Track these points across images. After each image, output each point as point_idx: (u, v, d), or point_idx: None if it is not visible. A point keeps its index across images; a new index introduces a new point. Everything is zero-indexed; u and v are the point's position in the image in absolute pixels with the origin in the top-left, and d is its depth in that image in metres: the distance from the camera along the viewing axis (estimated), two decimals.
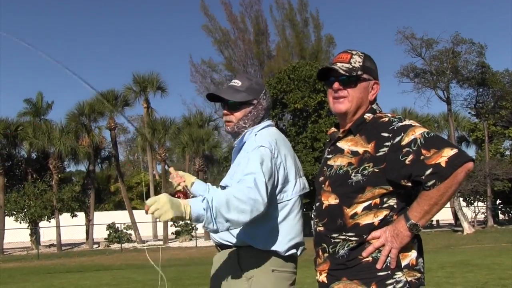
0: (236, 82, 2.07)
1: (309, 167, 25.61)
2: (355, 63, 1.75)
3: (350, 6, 68.63)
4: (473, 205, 29.87)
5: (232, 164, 2.10)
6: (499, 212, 34.16)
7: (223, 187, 1.98)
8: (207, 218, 1.67)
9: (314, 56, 33.56)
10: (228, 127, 2.07)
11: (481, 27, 66.06)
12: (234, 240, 1.94)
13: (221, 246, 2.03)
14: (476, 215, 29.21)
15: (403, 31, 27.72)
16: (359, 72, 1.74)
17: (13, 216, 28.06)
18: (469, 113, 32.70)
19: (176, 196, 2.17)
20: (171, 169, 2.30)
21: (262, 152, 1.87)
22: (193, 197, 2.17)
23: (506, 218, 34.00)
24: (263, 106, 2.07)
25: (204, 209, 1.67)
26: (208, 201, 1.68)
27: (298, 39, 34.27)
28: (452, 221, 32.16)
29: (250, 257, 1.90)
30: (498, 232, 24.12)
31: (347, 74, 1.73)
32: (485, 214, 29.39)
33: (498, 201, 33.36)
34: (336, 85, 1.76)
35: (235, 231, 1.93)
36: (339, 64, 1.76)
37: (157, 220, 1.81)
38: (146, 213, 1.66)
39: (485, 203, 29.36)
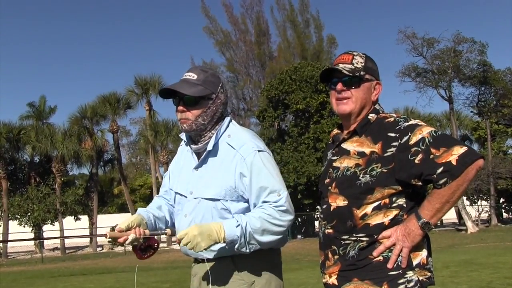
0: (191, 75, 1.87)
1: (312, 168, 25.59)
2: (357, 63, 1.76)
3: (351, 6, 68.67)
4: (476, 204, 29.79)
5: (199, 168, 1.89)
6: (503, 210, 34.08)
7: (214, 200, 1.83)
8: (240, 244, 1.75)
9: (316, 56, 33.56)
10: (185, 125, 1.86)
11: (483, 26, 65.99)
12: (229, 252, 1.82)
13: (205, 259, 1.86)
14: (479, 214, 29.13)
15: (404, 30, 27.75)
16: (362, 73, 1.75)
17: (17, 220, 28.12)
18: (471, 111, 32.69)
19: (147, 244, 1.90)
20: (115, 233, 1.86)
21: (268, 158, 1.84)
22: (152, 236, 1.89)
23: (510, 216, 33.92)
24: (222, 101, 1.90)
25: (238, 235, 1.74)
26: (243, 226, 1.74)
27: (300, 40, 34.28)
28: (456, 220, 32.09)
29: (248, 261, 1.82)
30: (502, 231, 24.04)
31: (350, 74, 1.73)
32: (489, 212, 29.31)
33: (501, 200, 33.26)
34: (339, 86, 1.76)
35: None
36: (341, 65, 1.76)
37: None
38: (179, 245, 1.76)
39: (489, 201, 29.28)
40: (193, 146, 1.93)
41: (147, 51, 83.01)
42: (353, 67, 1.75)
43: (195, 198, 1.89)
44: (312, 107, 26.71)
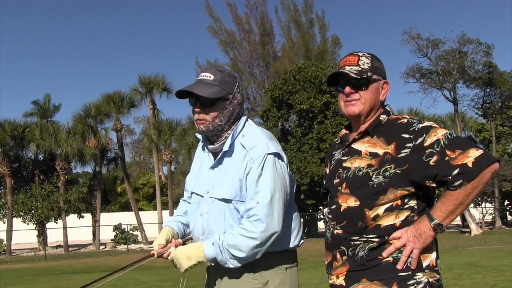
0: (207, 76, 1.86)
1: (315, 168, 25.55)
2: (363, 64, 1.75)
3: (356, 6, 68.54)
4: (480, 206, 29.67)
5: (215, 168, 1.90)
6: (507, 213, 33.90)
7: (226, 200, 1.85)
8: (221, 260, 1.78)
9: (320, 57, 33.51)
10: (202, 126, 1.86)
11: (488, 27, 65.70)
12: None
13: None
14: (483, 216, 29.02)
15: (409, 31, 27.67)
16: (369, 74, 1.74)
17: (21, 217, 28.23)
18: (476, 113, 32.55)
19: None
20: (160, 250, 1.91)
21: (270, 164, 1.78)
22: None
23: None
24: (238, 101, 1.89)
25: (215, 254, 1.78)
26: (219, 244, 1.77)
27: (304, 40, 34.24)
28: (460, 222, 31.94)
29: (263, 261, 1.81)
30: (506, 233, 23.95)
31: (358, 77, 1.72)
32: (493, 215, 29.19)
33: (506, 202, 33.11)
34: (347, 89, 1.75)
35: None
36: (348, 68, 1.75)
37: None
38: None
39: (493, 204, 29.16)
40: (210, 146, 1.93)
41: (151, 50, 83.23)
42: (360, 69, 1.74)
43: (210, 198, 1.90)
44: (316, 107, 26.67)
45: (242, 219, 1.79)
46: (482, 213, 29.10)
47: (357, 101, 1.74)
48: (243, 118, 1.92)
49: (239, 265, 1.77)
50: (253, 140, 1.85)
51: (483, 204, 29.76)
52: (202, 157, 2.03)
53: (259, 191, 1.77)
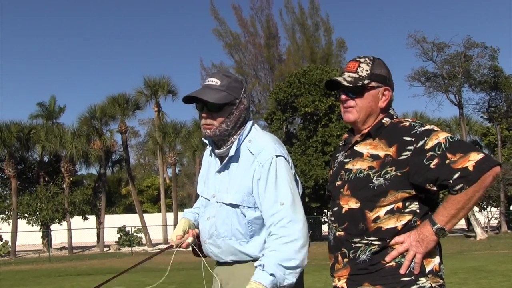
0: (214, 81, 1.86)
1: (320, 171, 25.51)
2: (361, 72, 1.75)
3: (361, 9, 68.57)
4: (486, 210, 29.49)
5: (222, 173, 1.91)
6: None
7: (234, 205, 1.85)
8: (279, 279, 1.70)
9: (325, 60, 33.49)
10: (209, 131, 1.86)
11: (494, 31, 65.47)
12: (255, 254, 1.82)
13: (232, 262, 1.90)
14: (489, 220, 28.82)
15: (414, 34, 27.66)
16: (366, 81, 1.74)
17: (26, 219, 28.33)
18: (482, 117, 32.40)
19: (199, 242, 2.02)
20: (178, 241, 1.99)
21: (282, 165, 1.81)
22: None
23: None
24: (245, 106, 1.90)
25: (274, 273, 1.69)
26: (270, 267, 1.70)
27: (309, 43, 34.26)
28: (465, 227, 31.74)
29: None
30: None
31: (351, 85, 1.74)
32: (499, 219, 28.99)
33: (511, 207, 32.86)
34: (343, 96, 1.78)
35: (255, 246, 1.84)
36: (346, 74, 1.76)
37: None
38: None
39: (498, 208, 28.97)
40: (216, 151, 1.94)
41: (156, 52, 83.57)
42: (357, 76, 1.74)
43: (217, 202, 1.91)
44: (321, 110, 26.65)
45: (272, 228, 1.76)
46: (488, 217, 28.90)
47: (352, 108, 1.76)
48: (249, 123, 1.93)
49: (297, 276, 1.74)
50: (260, 145, 1.85)
51: (488, 209, 29.58)
52: (209, 161, 2.04)
53: (280, 193, 1.78)
